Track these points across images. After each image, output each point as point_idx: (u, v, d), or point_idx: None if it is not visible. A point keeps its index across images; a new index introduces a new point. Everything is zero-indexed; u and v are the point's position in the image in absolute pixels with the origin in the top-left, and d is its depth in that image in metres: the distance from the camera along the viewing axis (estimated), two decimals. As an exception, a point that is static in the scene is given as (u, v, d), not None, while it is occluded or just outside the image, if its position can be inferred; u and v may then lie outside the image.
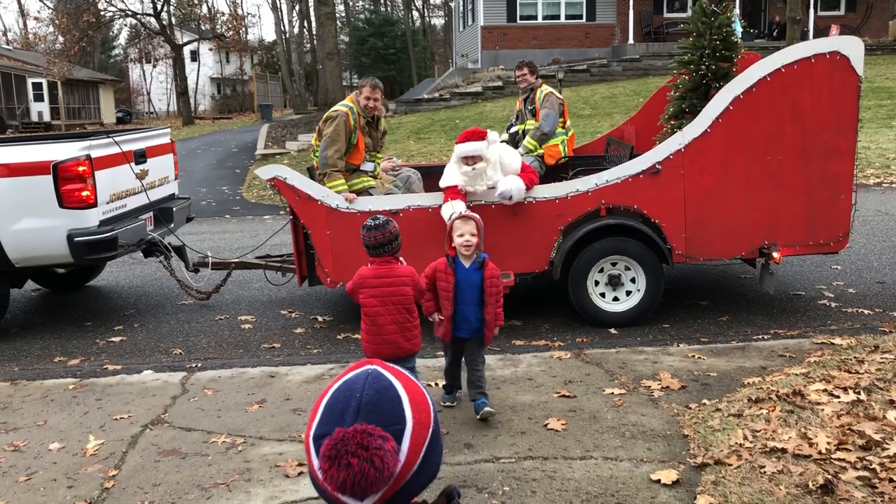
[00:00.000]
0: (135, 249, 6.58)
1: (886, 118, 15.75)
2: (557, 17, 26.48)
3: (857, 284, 6.75)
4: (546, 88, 7.24)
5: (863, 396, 3.98)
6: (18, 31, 52.53)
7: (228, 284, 7.04)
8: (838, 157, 5.63)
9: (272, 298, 7.17)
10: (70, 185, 5.82)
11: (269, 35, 76.64)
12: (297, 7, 40.29)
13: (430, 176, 6.65)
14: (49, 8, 42.63)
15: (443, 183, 5.67)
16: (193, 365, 5.43)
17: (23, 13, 53.50)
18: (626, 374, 4.71)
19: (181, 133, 29.75)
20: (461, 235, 4.03)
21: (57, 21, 35.99)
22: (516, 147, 6.86)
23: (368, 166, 6.27)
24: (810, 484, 3.20)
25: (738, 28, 6.33)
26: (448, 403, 4.34)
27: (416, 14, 53.29)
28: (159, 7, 37.04)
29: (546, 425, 4.02)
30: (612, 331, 5.78)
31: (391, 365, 1.26)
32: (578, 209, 5.72)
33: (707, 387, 4.48)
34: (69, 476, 3.74)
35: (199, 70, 51.73)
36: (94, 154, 5.97)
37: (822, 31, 23.62)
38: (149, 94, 55.15)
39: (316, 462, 1.17)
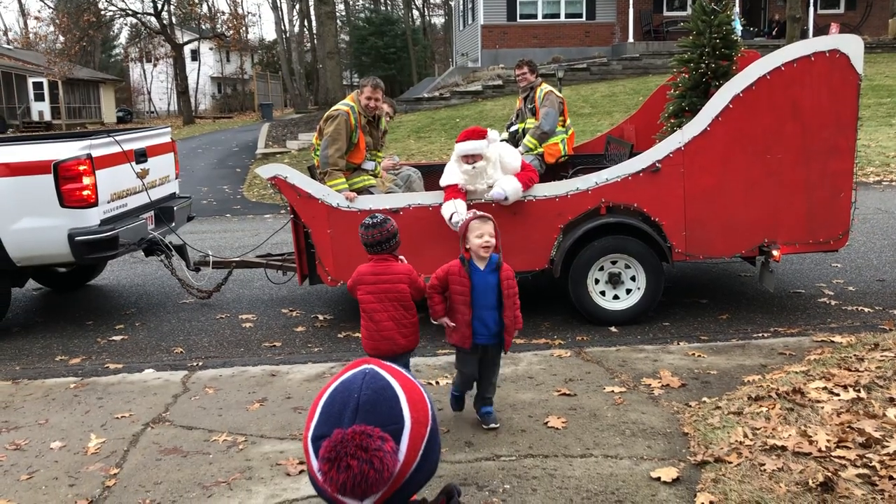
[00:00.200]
0: (136, 248, 6.58)
1: (886, 116, 15.75)
2: (557, 15, 26.48)
3: (857, 282, 6.75)
4: (546, 87, 7.24)
5: (863, 394, 3.99)
6: (19, 31, 52.58)
7: (229, 283, 7.05)
8: (838, 155, 5.63)
9: (273, 297, 7.18)
10: (71, 184, 5.82)
11: (270, 34, 76.72)
12: (297, 6, 40.29)
13: (431, 175, 6.66)
14: (49, 7, 42.65)
15: (443, 182, 5.68)
16: (194, 364, 5.44)
17: (23, 13, 53.53)
18: (627, 373, 4.72)
19: (182, 132, 29.76)
20: (480, 236, 3.81)
21: (57, 20, 36.01)
22: (516, 146, 6.87)
23: (369, 165, 6.28)
24: (810, 481, 3.21)
25: (737, 26, 6.33)
26: (456, 412, 4.19)
27: (416, 13, 53.34)
28: (160, 6, 37.03)
29: (546, 423, 4.02)
30: (613, 329, 5.79)
31: (388, 364, 1.27)
32: (578, 208, 5.72)
33: (707, 385, 4.48)
34: (70, 474, 3.75)
35: (199, 69, 51.74)
36: (95, 153, 5.98)
37: (821, 30, 23.61)
38: (149, 93, 55.14)
39: (315, 463, 1.18)
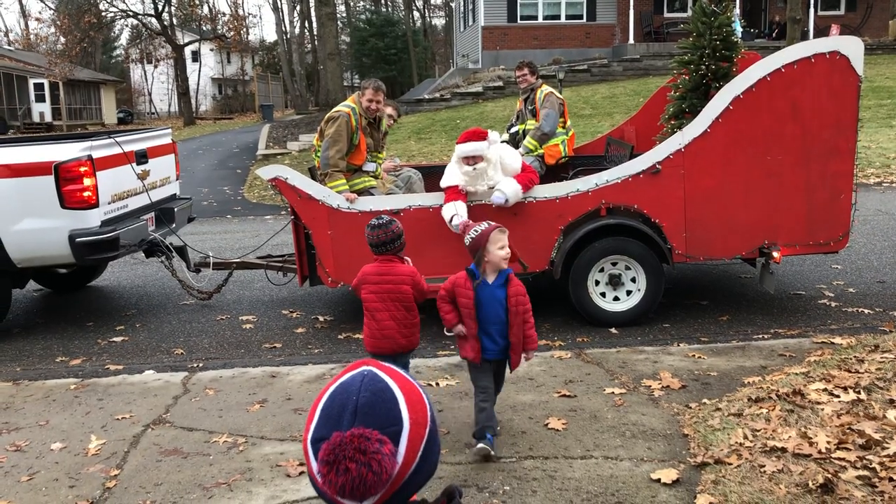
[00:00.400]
0: (136, 250, 6.59)
1: (886, 118, 15.76)
2: (558, 17, 26.49)
3: (858, 284, 6.75)
4: (546, 88, 7.25)
5: (863, 396, 3.99)
6: (20, 32, 52.58)
7: (230, 284, 7.05)
8: (838, 156, 5.64)
9: (273, 298, 7.18)
10: (72, 185, 5.83)
11: (270, 35, 76.68)
12: (297, 7, 40.32)
13: (431, 176, 6.66)
14: (50, 9, 42.71)
15: (444, 183, 5.68)
16: (195, 365, 5.44)
17: (24, 14, 53.56)
18: (627, 374, 4.72)
19: (182, 133, 29.78)
20: (502, 248, 3.64)
21: (58, 22, 36.03)
22: (517, 147, 6.87)
23: (370, 166, 6.29)
24: (810, 483, 3.21)
25: (738, 28, 6.33)
26: (484, 446, 3.64)
27: (416, 14, 53.35)
28: (160, 8, 37.07)
29: (546, 425, 4.02)
30: (613, 330, 5.79)
31: (387, 365, 1.27)
32: (579, 209, 5.72)
33: (707, 386, 4.49)
34: (71, 476, 3.75)
35: (200, 70, 51.78)
36: (96, 154, 5.98)
37: (822, 31, 23.62)
38: (150, 94, 55.17)
39: (315, 465, 1.18)
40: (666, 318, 6.03)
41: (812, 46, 5.56)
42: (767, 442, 3.59)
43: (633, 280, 5.82)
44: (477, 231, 3.69)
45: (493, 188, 5.60)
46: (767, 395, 4.12)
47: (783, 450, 3.50)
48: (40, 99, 39.35)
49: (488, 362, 3.79)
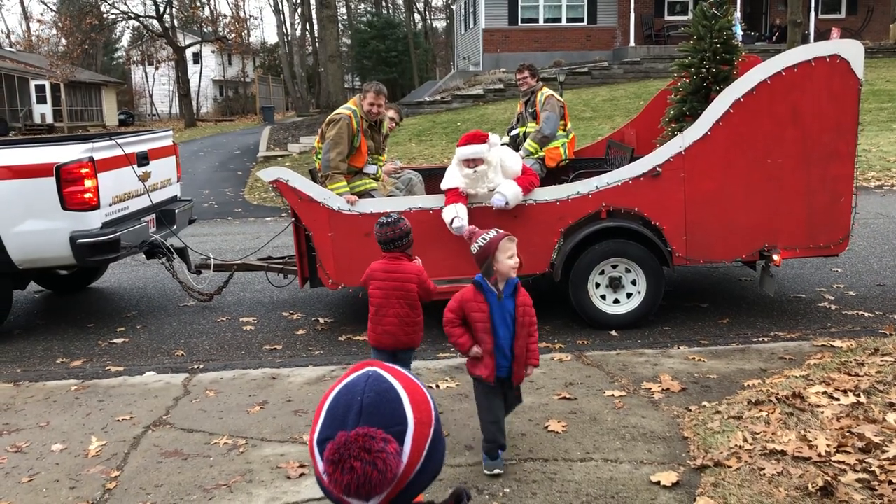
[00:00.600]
0: (137, 251, 6.60)
1: (887, 121, 15.77)
2: (559, 19, 26.51)
3: (858, 287, 6.75)
4: (547, 91, 7.26)
5: (862, 399, 3.99)
6: (21, 34, 52.63)
7: (230, 286, 7.06)
8: (838, 159, 5.64)
9: (274, 300, 7.19)
10: (73, 187, 5.84)
11: (272, 38, 76.86)
12: (299, 10, 40.38)
13: (432, 178, 6.67)
14: (52, 10, 42.79)
15: (444, 185, 5.69)
16: (195, 366, 5.45)
17: (26, 16, 53.55)
18: (627, 377, 4.72)
19: (183, 135, 29.80)
20: (511, 256, 3.49)
21: (60, 23, 36.11)
22: (517, 149, 6.88)
23: (371, 169, 6.30)
24: (810, 486, 3.21)
25: (738, 31, 6.34)
26: (497, 471, 3.56)
27: (417, 17, 53.40)
28: (162, 10, 37.12)
29: (546, 427, 4.03)
30: (613, 333, 5.80)
31: (391, 366, 1.29)
32: (579, 211, 5.73)
33: (707, 389, 4.49)
34: (71, 477, 3.75)
35: (201, 72, 51.82)
36: (97, 156, 5.99)
37: (822, 34, 23.62)
38: (151, 96, 55.23)
39: (321, 465, 1.19)
40: (666, 321, 6.03)
41: (812, 50, 5.57)
42: (767, 445, 3.59)
43: (634, 283, 5.83)
44: (485, 240, 3.53)
45: (493, 191, 5.61)
46: (767, 397, 4.13)
47: (783, 453, 3.51)
48: (41, 100, 39.39)
49: (500, 380, 3.56)
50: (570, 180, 6.49)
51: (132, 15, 37.61)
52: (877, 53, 22.85)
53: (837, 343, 5.12)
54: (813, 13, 24.39)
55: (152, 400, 4.71)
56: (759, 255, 5.79)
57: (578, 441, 3.87)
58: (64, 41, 36.49)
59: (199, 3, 45.59)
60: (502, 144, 5.98)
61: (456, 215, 5.51)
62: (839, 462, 3.38)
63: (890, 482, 3.18)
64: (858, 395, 4.03)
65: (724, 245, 5.76)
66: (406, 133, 18.77)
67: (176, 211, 7.17)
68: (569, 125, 7.33)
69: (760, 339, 5.49)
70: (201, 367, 5.43)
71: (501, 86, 22.62)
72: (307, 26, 42.60)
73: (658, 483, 3.39)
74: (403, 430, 1.19)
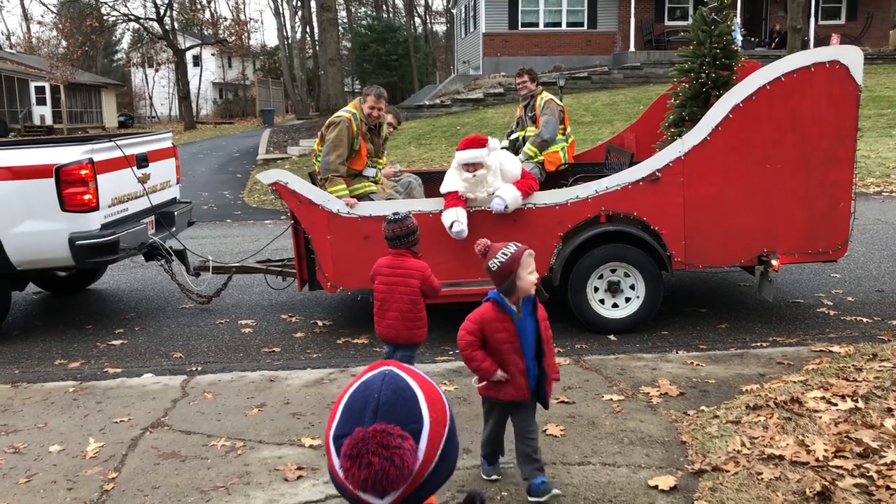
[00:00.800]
0: (136, 253, 6.60)
1: (887, 127, 15.79)
2: (559, 24, 26.55)
3: (856, 293, 6.76)
4: (546, 95, 7.28)
5: (860, 404, 3.99)
6: (21, 35, 52.66)
7: (229, 288, 7.07)
8: (837, 165, 5.65)
9: (272, 303, 7.18)
10: (72, 188, 5.84)
11: (272, 40, 76.90)
12: (299, 13, 40.41)
13: (431, 182, 6.68)
14: (52, 12, 42.81)
15: (443, 189, 5.70)
16: (194, 368, 5.45)
17: (26, 17, 53.54)
18: (625, 381, 4.72)
19: (183, 137, 29.81)
20: (532, 272, 3.24)
21: (60, 25, 36.15)
22: (517, 153, 6.89)
23: (370, 172, 6.30)
24: (807, 491, 3.21)
25: (738, 37, 6.35)
26: (494, 476, 3.55)
27: (417, 21, 53.48)
28: (162, 12, 37.16)
29: (545, 431, 4.02)
30: (612, 337, 5.80)
31: (406, 366, 1.31)
32: (578, 216, 5.74)
33: (705, 393, 4.49)
34: (69, 478, 3.75)
35: (201, 75, 51.84)
36: (97, 158, 6.00)
37: (822, 41, 23.68)
38: (151, 98, 55.23)
39: (336, 461, 1.20)
40: (665, 326, 6.03)
41: (812, 55, 5.58)
42: (765, 449, 3.59)
43: (632, 287, 5.83)
44: (506, 255, 3.22)
45: (492, 195, 5.61)
46: (765, 402, 4.13)
47: (781, 457, 3.51)
48: (41, 102, 39.41)
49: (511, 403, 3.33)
50: (569, 184, 6.50)
51: (132, 17, 37.67)
52: (876, 60, 22.90)
53: (836, 348, 5.12)
54: (813, 19, 24.44)
55: (150, 402, 4.71)
56: (758, 260, 5.79)
57: (576, 445, 3.87)
58: (64, 43, 36.54)
59: (199, 6, 45.67)
60: (502, 148, 5.99)
61: (455, 219, 5.51)
62: (837, 467, 3.38)
63: (887, 487, 3.18)
64: (856, 401, 4.03)
65: (722, 250, 5.77)
66: (406, 137, 18.78)
67: (175, 213, 7.17)
68: (568, 129, 7.34)
69: (759, 344, 5.49)
70: (199, 369, 5.43)
71: (501, 90, 22.64)
72: (307, 29, 42.64)
73: (656, 487, 3.39)
74: (419, 427, 1.20)
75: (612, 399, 4.43)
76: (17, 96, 38.41)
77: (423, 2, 55.13)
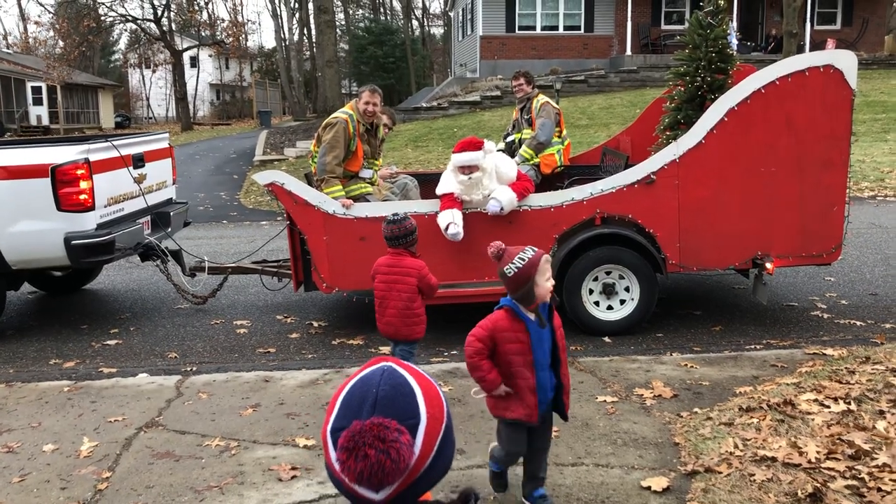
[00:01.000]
0: (132, 253, 6.60)
1: (881, 132, 15.85)
2: (556, 28, 26.59)
3: (850, 296, 6.79)
4: (542, 98, 7.29)
5: (853, 407, 4.01)
6: (18, 35, 52.62)
7: (224, 289, 7.07)
8: (831, 168, 5.68)
9: (268, 303, 7.18)
10: (68, 188, 5.84)
11: (269, 42, 76.86)
12: (297, 15, 40.42)
13: (427, 183, 6.69)
14: (49, 12, 42.71)
15: (439, 190, 5.71)
16: (188, 368, 5.45)
17: (23, 17, 53.53)
18: (619, 383, 4.74)
19: (180, 138, 29.77)
20: (548, 279, 3.03)
21: (57, 25, 36.09)
22: (513, 156, 6.91)
23: (366, 173, 6.31)
24: (799, 492, 3.22)
25: (733, 41, 6.37)
26: (499, 493, 3.42)
27: (415, 23, 53.53)
28: (160, 13, 37.14)
29: (538, 432, 4.03)
30: (606, 339, 5.81)
31: (405, 362, 1.32)
32: (573, 218, 5.75)
33: (699, 395, 4.50)
34: (63, 477, 3.75)
35: (198, 76, 51.80)
36: (93, 158, 6.00)
37: (818, 45, 23.77)
38: (148, 99, 55.19)
39: (333, 454, 1.21)
40: (659, 328, 6.05)
41: (806, 60, 5.61)
42: (758, 451, 3.60)
43: (627, 289, 5.85)
44: (523, 261, 2.99)
45: (488, 197, 5.62)
46: (758, 404, 4.14)
47: (773, 459, 3.52)
48: (38, 102, 39.37)
49: (540, 416, 3.11)
50: (564, 187, 6.52)
51: (130, 18, 37.58)
52: (871, 65, 23.00)
53: (829, 351, 5.14)
54: (808, 24, 24.53)
55: (145, 401, 4.71)
56: (753, 263, 5.81)
57: (570, 446, 3.88)
58: (61, 43, 36.50)
59: (197, 7, 45.65)
60: (498, 151, 6.01)
61: (451, 221, 5.52)
62: (829, 469, 3.40)
63: (879, 489, 3.20)
64: (849, 403, 4.05)
65: (717, 252, 5.79)
66: (402, 139, 18.80)
67: (171, 213, 7.17)
68: (564, 132, 7.36)
69: (753, 347, 5.51)
70: (194, 369, 5.43)
71: (498, 93, 22.68)
72: (305, 31, 42.62)
73: (649, 488, 3.40)
74: (416, 423, 1.21)
75: (605, 400, 4.44)
76: (14, 96, 38.36)
77: (420, 4, 55.28)
